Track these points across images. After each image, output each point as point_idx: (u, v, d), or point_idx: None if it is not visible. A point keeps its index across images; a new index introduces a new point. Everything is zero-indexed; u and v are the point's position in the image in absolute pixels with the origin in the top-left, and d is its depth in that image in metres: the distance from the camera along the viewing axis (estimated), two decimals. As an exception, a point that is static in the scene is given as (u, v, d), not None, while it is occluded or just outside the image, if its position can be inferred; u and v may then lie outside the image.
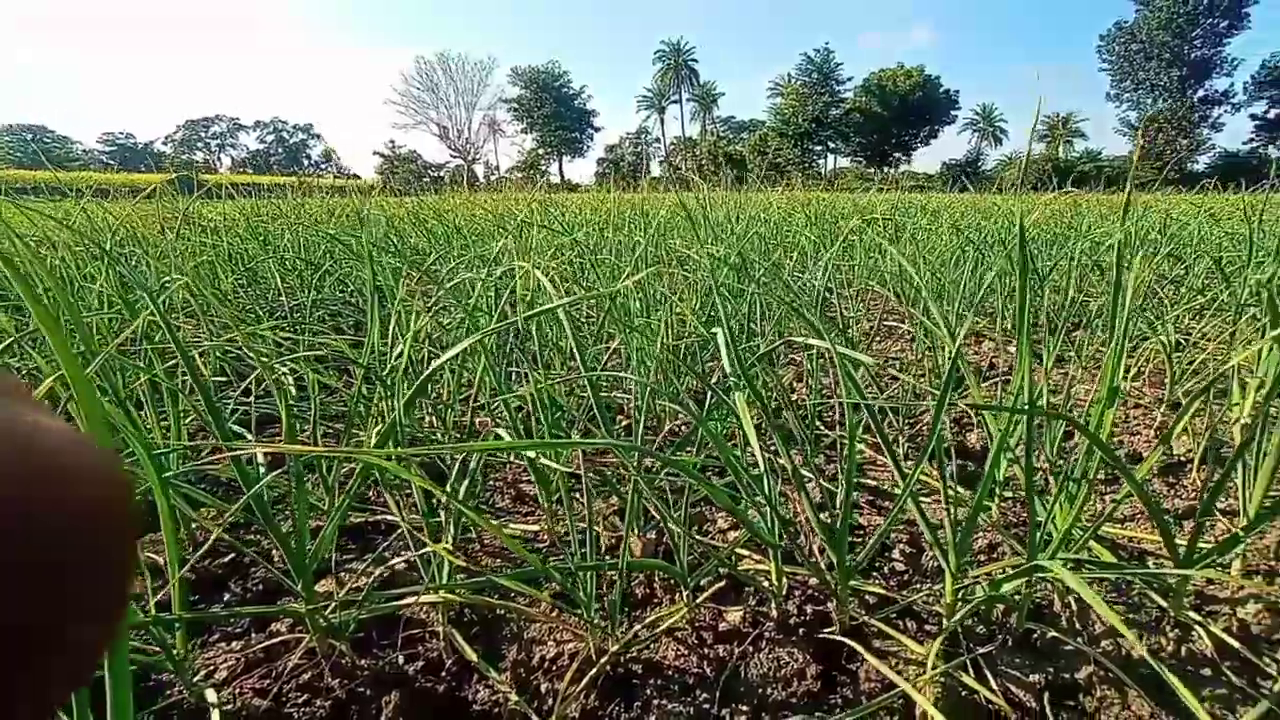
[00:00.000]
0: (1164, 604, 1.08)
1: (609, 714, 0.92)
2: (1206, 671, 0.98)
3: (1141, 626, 1.05)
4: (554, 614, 1.03)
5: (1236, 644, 0.97)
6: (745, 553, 1.23)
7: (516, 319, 0.97)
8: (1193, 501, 1.42)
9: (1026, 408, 0.89)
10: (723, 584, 1.16)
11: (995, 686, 0.95)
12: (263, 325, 1.61)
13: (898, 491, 1.50)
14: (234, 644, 1.03)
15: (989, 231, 3.75)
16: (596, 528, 1.35)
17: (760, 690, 0.96)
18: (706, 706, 0.93)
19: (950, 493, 0.98)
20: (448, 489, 0.92)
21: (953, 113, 67.49)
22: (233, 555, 1.22)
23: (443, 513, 0.93)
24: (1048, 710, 0.93)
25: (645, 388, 1.10)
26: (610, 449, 1.15)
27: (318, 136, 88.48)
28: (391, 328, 1.18)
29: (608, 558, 1.21)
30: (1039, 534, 1.02)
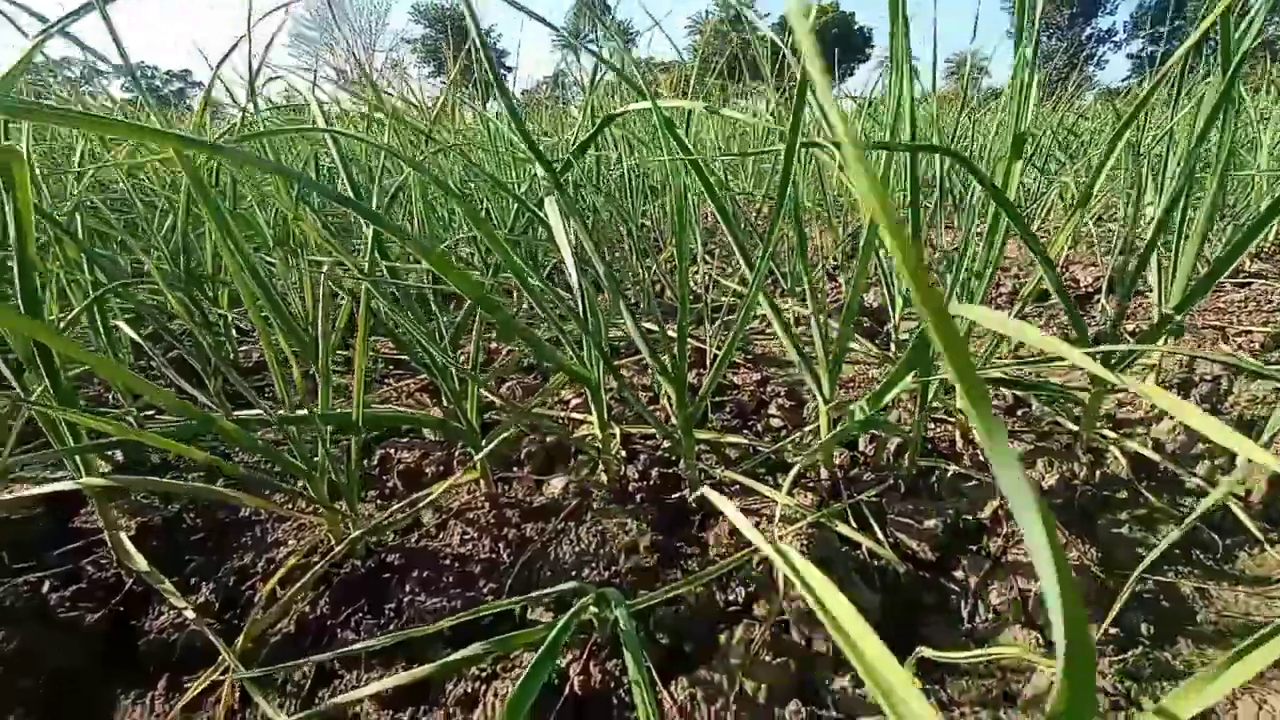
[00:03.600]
0: (1074, 428, 0.90)
1: (342, 621, 0.63)
2: (1123, 494, 0.80)
3: (1052, 454, 0.86)
4: (276, 501, 0.72)
5: (1156, 457, 0.80)
6: (583, 418, 0.96)
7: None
8: (1102, 328, 1.26)
9: (910, 143, 0.63)
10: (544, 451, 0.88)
11: (882, 537, 0.73)
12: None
13: (791, 359, 1.27)
14: None
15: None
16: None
17: (572, 573, 0.69)
18: (488, 596, 0.66)
19: (817, 296, 0.73)
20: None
21: (867, 50, 68.21)
22: None
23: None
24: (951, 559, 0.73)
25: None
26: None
27: (198, 84, 78.79)
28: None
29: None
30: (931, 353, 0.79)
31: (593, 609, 0.51)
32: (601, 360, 0.73)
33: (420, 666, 0.48)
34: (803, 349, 0.78)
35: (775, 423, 1.01)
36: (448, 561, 0.71)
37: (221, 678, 0.56)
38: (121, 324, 0.90)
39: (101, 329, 0.96)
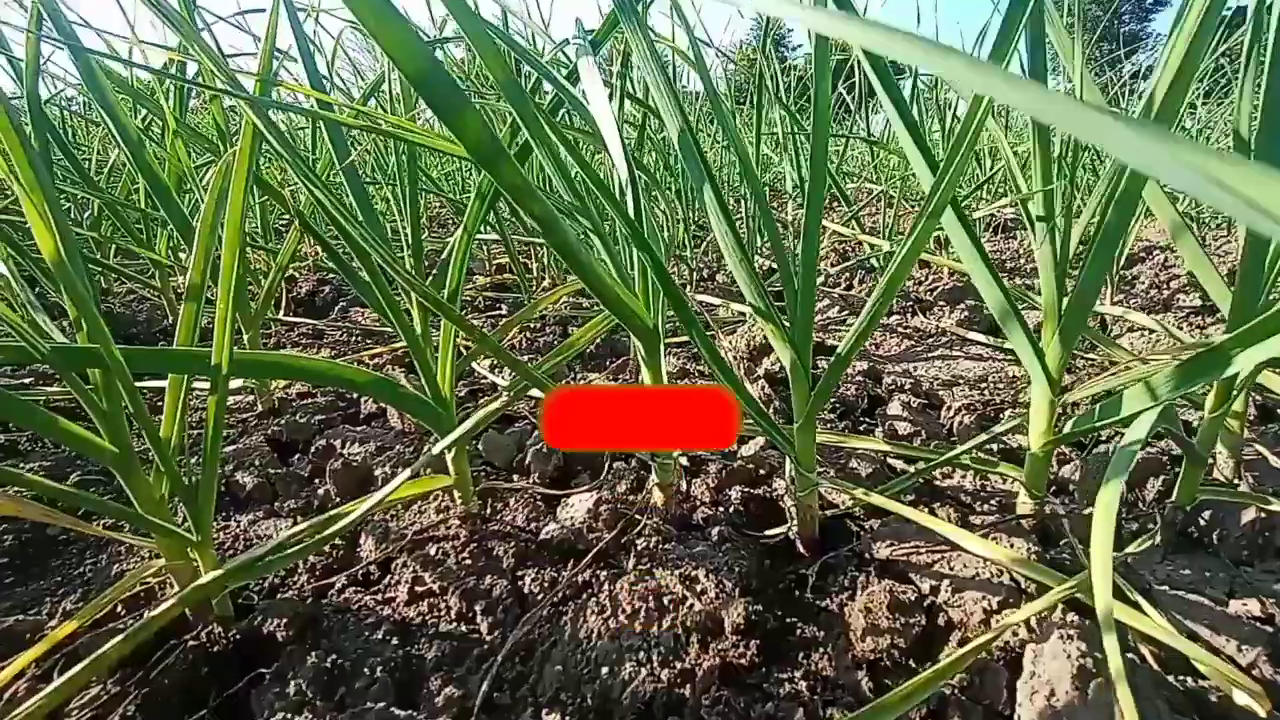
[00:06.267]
0: None
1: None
2: None
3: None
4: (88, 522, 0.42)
5: None
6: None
7: None
8: None
9: None
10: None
11: (1164, 623, 0.40)
12: None
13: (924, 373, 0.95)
14: None
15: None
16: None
17: (603, 669, 0.37)
18: (445, 714, 0.34)
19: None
20: None
21: (899, 80, 68.69)
22: None
23: None
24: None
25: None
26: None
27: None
28: None
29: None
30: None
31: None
32: (663, 285, 0.41)
33: None
34: (1009, 295, 0.45)
35: (901, 428, 0.68)
36: (381, 635, 0.39)
37: None
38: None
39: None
